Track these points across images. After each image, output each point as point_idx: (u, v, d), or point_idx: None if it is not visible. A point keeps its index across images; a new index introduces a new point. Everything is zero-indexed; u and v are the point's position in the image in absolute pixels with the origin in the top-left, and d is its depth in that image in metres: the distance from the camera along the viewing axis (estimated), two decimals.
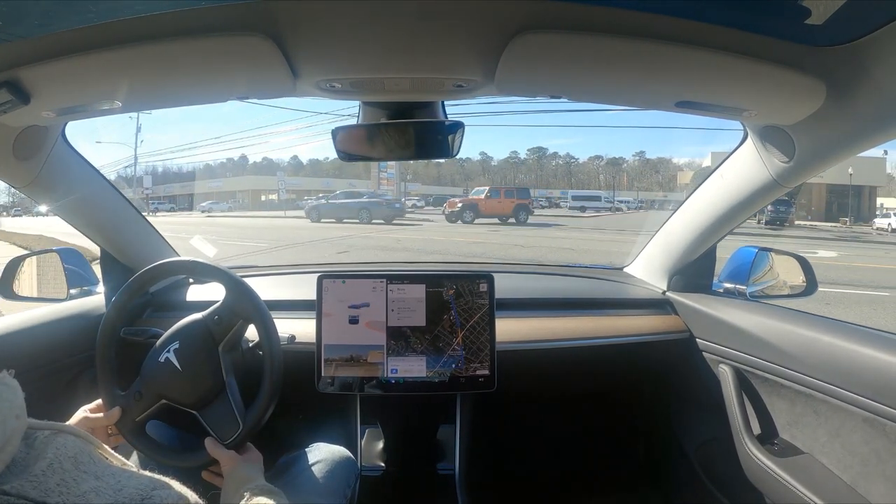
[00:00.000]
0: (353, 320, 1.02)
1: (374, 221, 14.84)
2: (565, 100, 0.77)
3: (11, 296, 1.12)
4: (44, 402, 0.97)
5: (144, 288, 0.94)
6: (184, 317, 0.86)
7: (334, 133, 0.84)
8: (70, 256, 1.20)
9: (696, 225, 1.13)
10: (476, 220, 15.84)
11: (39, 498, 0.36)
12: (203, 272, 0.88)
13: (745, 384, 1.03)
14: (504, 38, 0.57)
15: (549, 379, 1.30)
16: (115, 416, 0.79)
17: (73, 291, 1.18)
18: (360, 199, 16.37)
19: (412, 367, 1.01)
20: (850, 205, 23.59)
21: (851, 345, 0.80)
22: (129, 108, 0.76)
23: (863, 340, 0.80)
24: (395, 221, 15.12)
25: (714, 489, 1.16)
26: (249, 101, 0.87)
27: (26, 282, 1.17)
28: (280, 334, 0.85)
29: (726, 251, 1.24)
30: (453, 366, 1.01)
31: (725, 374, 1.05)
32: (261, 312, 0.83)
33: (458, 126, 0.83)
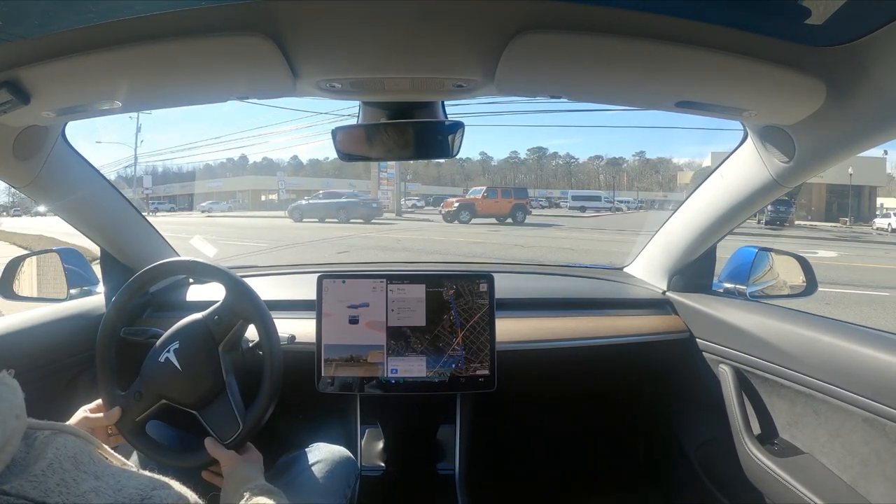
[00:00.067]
0: (353, 320, 1.02)
1: (351, 221, 15.01)
2: (565, 100, 0.77)
3: (11, 296, 1.12)
4: (44, 402, 0.97)
5: (144, 288, 0.94)
6: (184, 317, 0.86)
7: (334, 133, 0.84)
8: (70, 256, 1.20)
9: (696, 225, 1.13)
10: (473, 221, 15.83)
11: (39, 498, 0.36)
12: (203, 272, 0.88)
13: (745, 384, 1.03)
14: (504, 38, 0.57)
15: (549, 379, 1.30)
16: (115, 416, 0.79)
17: (73, 291, 1.18)
18: (339, 200, 16.61)
19: (412, 367, 1.01)
20: (850, 205, 23.59)
21: (851, 345, 0.80)
22: (129, 108, 0.76)
23: (863, 340, 0.80)
24: (373, 221, 15.29)
25: (714, 489, 1.16)
26: (249, 101, 0.87)
27: (26, 282, 1.17)
28: (280, 334, 0.85)
29: (726, 251, 1.24)
30: (453, 366, 1.01)
31: (725, 374, 1.05)
32: (261, 312, 0.83)
33: (458, 126, 0.83)
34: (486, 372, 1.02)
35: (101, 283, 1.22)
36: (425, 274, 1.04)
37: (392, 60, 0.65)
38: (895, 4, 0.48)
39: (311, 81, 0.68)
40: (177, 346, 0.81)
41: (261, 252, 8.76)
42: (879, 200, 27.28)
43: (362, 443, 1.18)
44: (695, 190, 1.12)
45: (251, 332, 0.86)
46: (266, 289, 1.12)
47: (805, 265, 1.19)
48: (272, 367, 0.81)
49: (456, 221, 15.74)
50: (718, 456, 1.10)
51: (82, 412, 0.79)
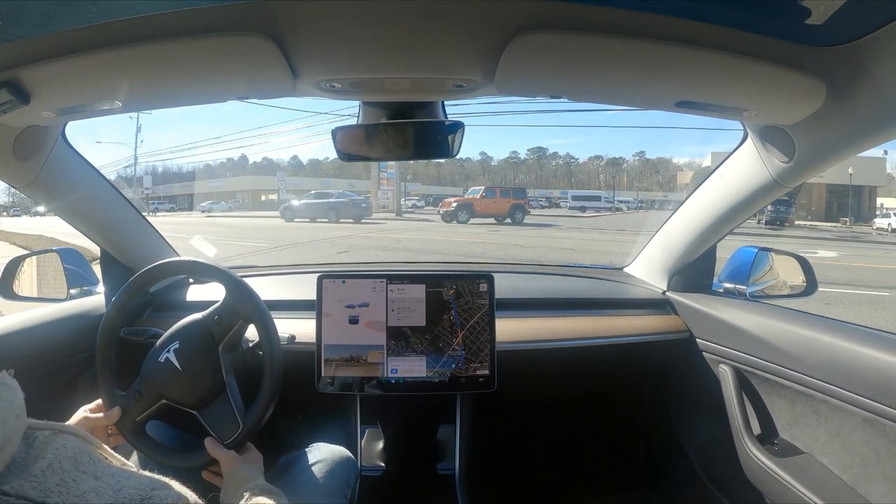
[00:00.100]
0: (353, 320, 1.02)
1: (341, 220, 15.07)
2: (565, 100, 0.77)
3: (11, 296, 1.12)
4: (44, 402, 0.97)
5: (144, 288, 0.94)
6: (184, 317, 0.86)
7: (334, 133, 0.84)
8: (70, 256, 1.20)
9: (696, 225, 1.13)
10: (471, 221, 15.82)
11: (39, 498, 0.35)
12: (203, 272, 0.88)
13: (745, 384, 1.03)
14: (504, 38, 0.57)
15: (549, 379, 1.30)
16: (115, 416, 0.79)
17: (73, 291, 1.18)
18: (328, 200, 16.72)
19: (412, 367, 1.01)
20: (850, 205, 23.59)
21: (851, 345, 0.80)
22: (129, 108, 0.76)
23: (863, 340, 0.80)
24: (363, 220, 15.35)
25: (714, 489, 1.16)
26: (249, 101, 0.87)
27: (26, 282, 1.17)
28: (280, 334, 0.85)
29: (726, 251, 1.24)
30: (453, 366, 1.01)
31: (725, 374, 1.05)
32: (261, 312, 0.83)
33: (458, 126, 0.83)
34: (486, 372, 1.02)
35: (101, 283, 1.22)
36: (425, 274, 1.04)
37: (392, 60, 0.65)
38: (895, 4, 0.48)
39: (311, 81, 0.68)
40: (177, 346, 0.81)
41: (261, 252, 8.76)
42: (879, 200, 27.29)
43: (362, 443, 1.18)
44: (695, 190, 1.12)
45: (251, 332, 0.86)
46: (266, 289, 1.12)
47: (805, 265, 1.19)
48: (272, 367, 0.81)
49: (454, 221, 15.74)
50: (718, 456, 1.10)
51: (82, 412, 0.79)
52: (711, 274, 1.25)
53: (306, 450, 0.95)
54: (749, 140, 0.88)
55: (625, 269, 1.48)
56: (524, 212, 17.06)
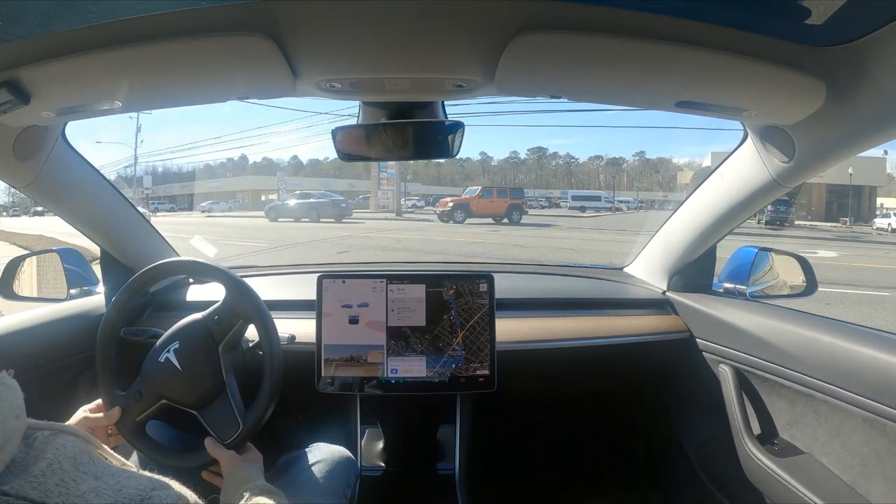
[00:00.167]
0: (353, 320, 1.02)
1: (322, 220, 15.25)
2: (565, 100, 0.77)
3: (11, 296, 1.12)
4: (44, 402, 0.97)
5: (144, 288, 0.94)
6: (184, 317, 0.86)
7: (334, 133, 0.84)
8: (70, 256, 1.20)
9: (696, 225, 1.13)
10: (468, 221, 15.78)
11: (39, 498, 0.35)
12: (203, 272, 0.88)
13: (745, 384, 1.03)
14: (504, 38, 0.57)
15: (549, 379, 1.30)
16: (115, 416, 0.79)
17: (73, 291, 1.18)
18: (309, 200, 16.96)
19: (412, 367, 1.01)
20: (850, 205, 23.59)
21: (851, 345, 0.80)
22: (129, 108, 0.76)
23: (863, 340, 0.80)
24: (344, 220, 15.51)
25: (714, 489, 1.16)
26: (249, 101, 0.87)
27: (26, 282, 1.17)
28: (280, 334, 0.85)
29: (726, 251, 1.24)
30: (453, 366, 1.01)
31: (725, 374, 1.05)
32: (261, 312, 0.83)
33: (457, 126, 0.83)
34: (486, 372, 1.02)
35: (101, 283, 1.22)
36: (425, 274, 1.04)
37: (392, 60, 0.65)
38: (895, 4, 0.48)
39: (311, 81, 0.68)
40: (177, 346, 0.81)
41: (261, 252, 8.76)
42: (879, 200, 27.29)
43: (362, 443, 1.18)
44: (695, 190, 1.12)
45: (251, 332, 0.86)
46: (266, 289, 1.12)
47: (805, 265, 1.19)
48: (272, 367, 0.81)
49: (451, 221, 15.70)
50: (718, 456, 1.10)
51: (82, 412, 0.79)
52: (711, 274, 1.25)
53: (306, 450, 0.95)
54: (749, 140, 0.88)
55: (625, 269, 1.48)
56: (521, 212, 17.05)
